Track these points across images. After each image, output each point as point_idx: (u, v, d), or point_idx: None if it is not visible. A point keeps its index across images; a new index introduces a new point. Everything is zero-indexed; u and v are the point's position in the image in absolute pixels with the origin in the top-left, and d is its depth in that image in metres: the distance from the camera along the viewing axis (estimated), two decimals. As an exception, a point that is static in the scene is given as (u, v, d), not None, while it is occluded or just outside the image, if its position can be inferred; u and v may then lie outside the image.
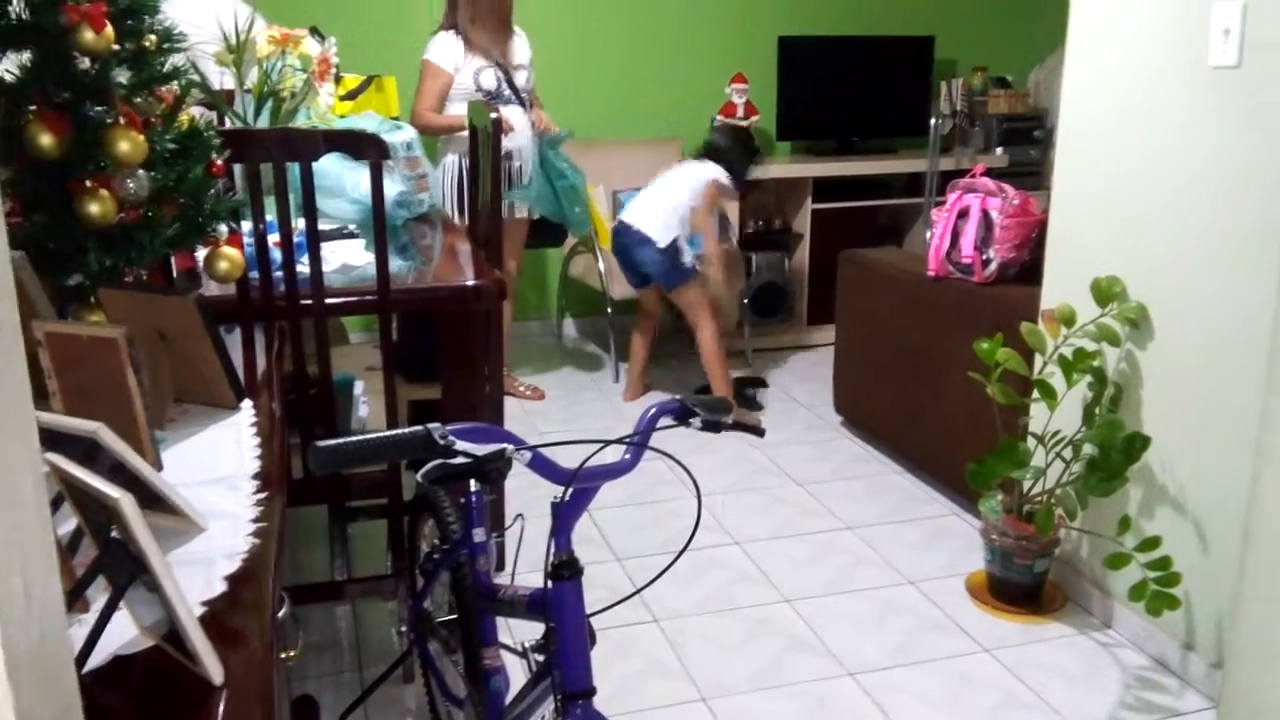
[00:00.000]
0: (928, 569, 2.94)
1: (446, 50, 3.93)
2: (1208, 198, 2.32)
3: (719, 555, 3.01)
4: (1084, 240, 2.67)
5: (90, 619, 0.98)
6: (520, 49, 4.10)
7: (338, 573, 2.62)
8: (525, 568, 1.83)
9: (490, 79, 3.96)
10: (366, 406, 2.50)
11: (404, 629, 2.18)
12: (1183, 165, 2.38)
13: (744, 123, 4.84)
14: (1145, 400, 2.53)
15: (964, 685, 2.42)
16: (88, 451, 1.09)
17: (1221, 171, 2.28)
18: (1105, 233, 2.60)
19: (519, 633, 2.33)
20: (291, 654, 1.58)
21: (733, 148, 4.12)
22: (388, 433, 1.33)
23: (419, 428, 1.32)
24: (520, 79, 4.04)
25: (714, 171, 4.02)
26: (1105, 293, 2.53)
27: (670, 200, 3.97)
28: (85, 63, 1.51)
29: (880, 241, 4.92)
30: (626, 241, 4.03)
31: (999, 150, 5.11)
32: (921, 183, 4.90)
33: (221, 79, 2.59)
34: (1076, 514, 2.60)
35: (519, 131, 3.92)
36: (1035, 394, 2.63)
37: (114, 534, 0.90)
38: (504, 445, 1.36)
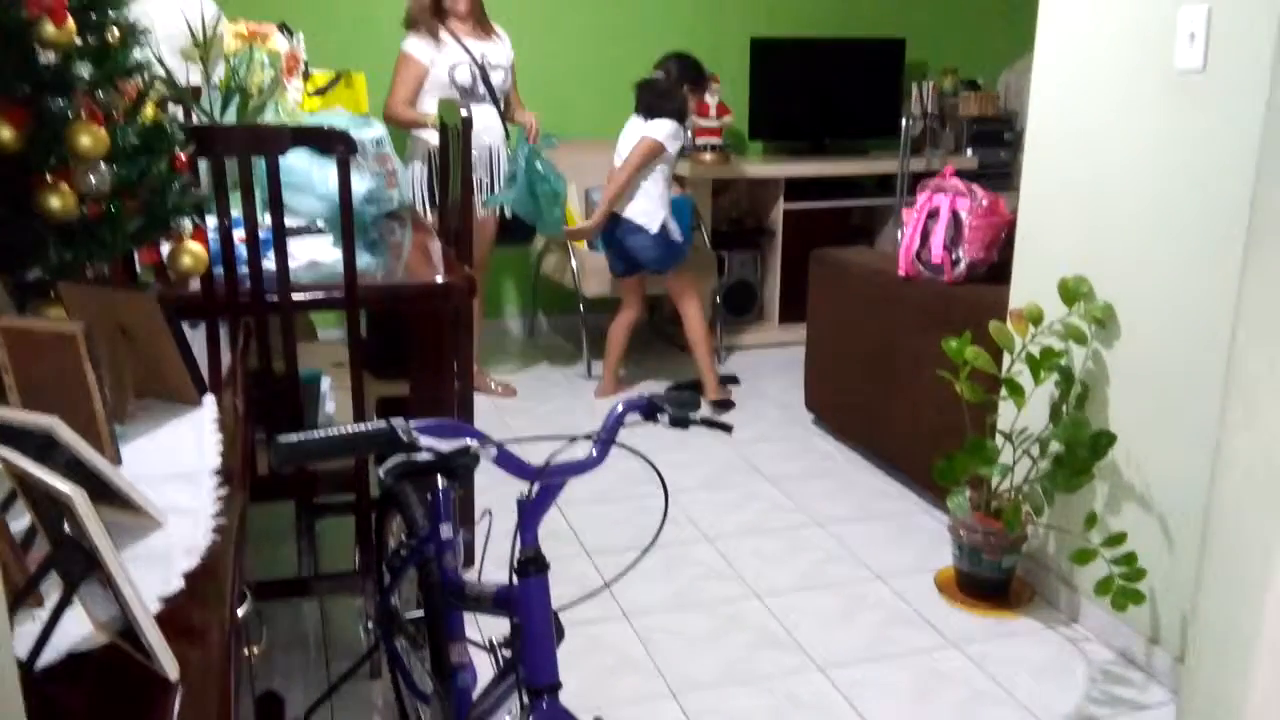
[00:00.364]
0: (897, 565, 2.95)
1: (421, 43, 3.92)
2: (1174, 200, 2.34)
3: (689, 551, 3.02)
4: (1052, 240, 2.69)
5: (44, 615, 0.96)
6: (501, 50, 4.09)
7: (304, 569, 2.61)
8: (494, 564, 1.82)
9: (465, 75, 3.95)
10: (333, 402, 2.49)
11: (371, 625, 2.17)
12: (1149, 167, 2.40)
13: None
14: (1111, 398, 2.55)
15: (932, 680, 2.44)
16: (43, 447, 1.08)
17: (1187, 174, 2.30)
18: (1073, 233, 2.63)
19: (487, 629, 2.33)
20: (256, 650, 1.57)
21: (661, 93, 4.04)
22: (351, 428, 1.32)
23: (382, 423, 1.32)
24: (497, 78, 4.03)
25: (650, 130, 3.99)
26: (1072, 292, 2.55)
27: (651, 185, 3.99)
28: (47, 56, 1.49)
29: (851, 241, 4.95)
30: (619, 232, 4.05)
31: (969, 152, 5.15)
32: (892, 183, 4.93)
33: (188, 74, 2.56)
34: (1043, 510, 2.63)
35: (485, 131, 3.91)
36: (1003, 392, 2.65)
37: (66, 529, 0.89)
38: (468, 441, 1.35)
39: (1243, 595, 1.12)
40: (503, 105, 4.06)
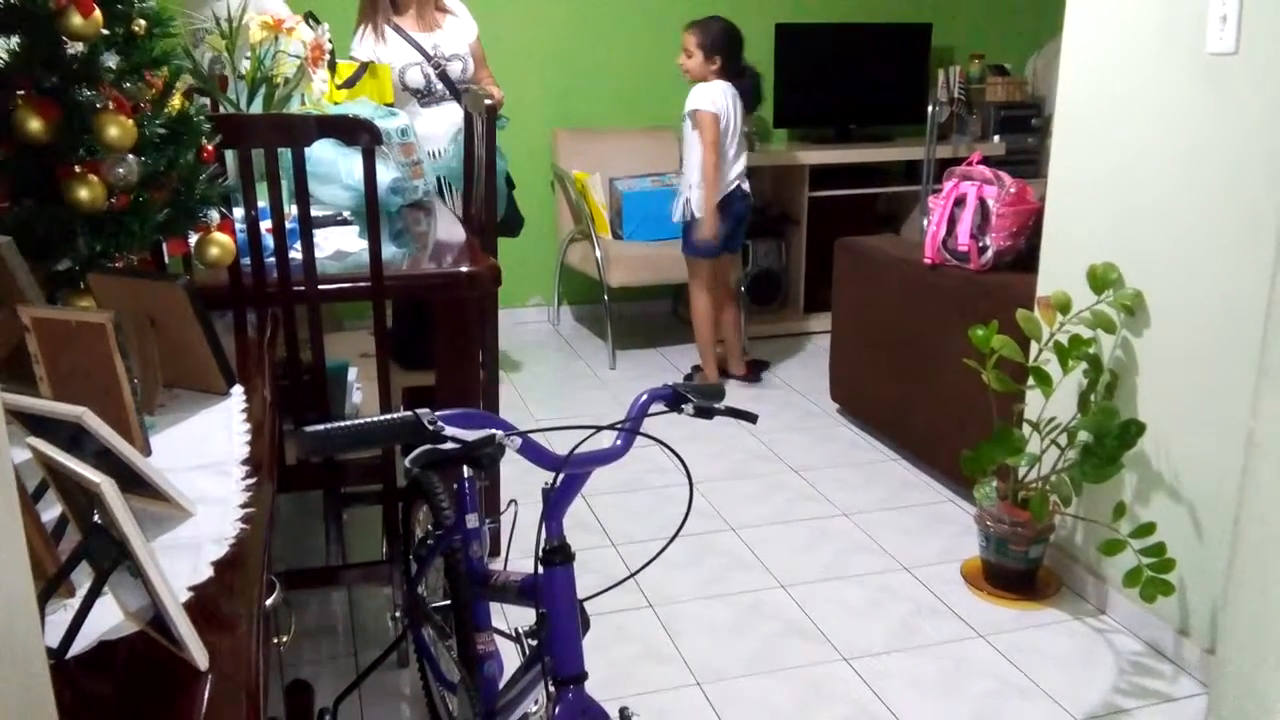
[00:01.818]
0: (923, 555, 2.94)
1: (364, 45, 3.63)
2: (1205, 185, 2.31)
3: (714, 541, 3.01)
4: (1080, 227, 2.66)
5: (75, 604, 0.97)
6: (455, 36, 3.75)
7: (332, 558, 2.62)
8: (519, 554, 1.83)
9: (416, 76, 3.66)
10: (360, 393, 2.50)
11: (398, 614, 2.18)
12: (1180, 152, 2.37)
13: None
14: (1140, 387, 2.53)
15: (959, 670, 2.42)
16: (73, 437, 1.09)
17: (1219, 158, 2.27)
18: (1102, 220, 2.60)
19: (513, 618, 2.33)
20: (284, 639, 1.58)
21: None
22: (376, 418, 1.32)
23: (408, 413, 1.32)
24: (455, 70, 3.70)
25: (691, 103, 4.00)
26: (1101, 280, 2.52)
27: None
28: (74, 47, 1.50)
29: (877, 229, 4.91)
30: (737, 206, 4.13)
31: (996, 138, 5.10)
32: (918, 170, 4.90)
33: (206, 60, 2.57)
34: (1071, 500, 2.60)
35: (451, 131, 3.62)
36: (1031, 381, 2.63)
37: (96, 519, 0.90)
38: (492, 431, 1.35)
39: (1277, 585, 1.11)
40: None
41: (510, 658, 1.77)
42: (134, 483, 1.11)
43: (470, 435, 1.35)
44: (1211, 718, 1.24)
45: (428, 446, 1.35)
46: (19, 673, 0.57)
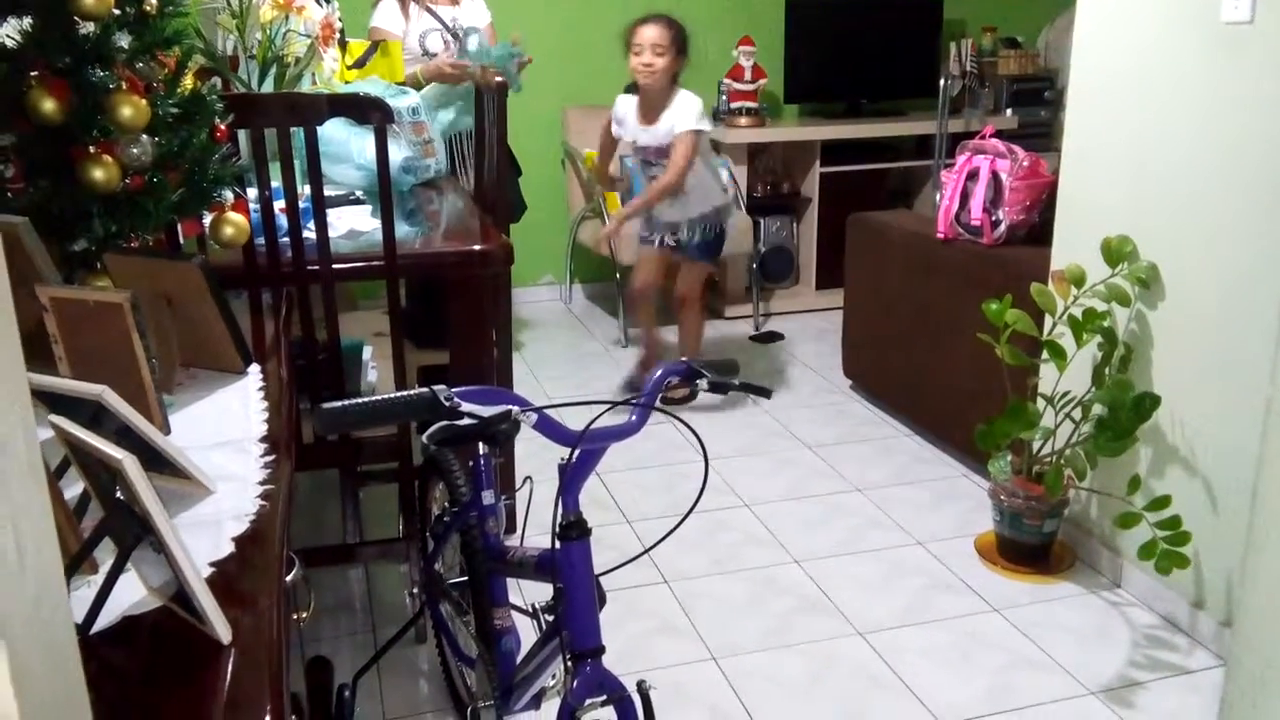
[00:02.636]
0: (937, 530, 2.94)
1: (389, 13, 3.72)
2: (1219, 155, 2.29)
3: (728, 517, 3.02)
4: (1094, 200, 2.65)
5: (98, 580, 0.99)
6: (473, 13, 3.87)
7: (350, 536, 2.64)
8: (535, 530, 1.84)
9: (437, 42, 3.74)
10: (375, 371, 2.51)
11: (416, 591, 2.20)
12: (1194, 123, 2.35)
13: None
14: (1155, 360, 2.52)
15: (973, 644, 2.43)
16: (94, 415, 1.10)
17: (1233, 128, 2.25)
18: (1116, 192, 2.58)
19: (530, 594, 2.35)
20: (304, 616, 1.60)
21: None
22: (392, 395, 1.33)
23: (424, 389, 1.33)
24: (472, 44, 3.69)
25: (690, 117, 3.59)
26: (1115, 252, 2.51)
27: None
28: (86, 27, 1.50)
29: (889, 204, 4.89)
30: None
31: (1008, 111, 5.06)
32: (930, 145, 4.87)
33: (226, 44, 2.58)
34: (1086, 474, 2.60)
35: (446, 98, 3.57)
36: (1045, 355, 2.62)
37: (119, 495, 0.91)
38: (509, 406, 1.36)
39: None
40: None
41: (527, 634, 1.78)
42: (154, 461, 1.12)
43: (487, 411, 1.36)
44: (1230, 687, 1.24)
45: (445, 423, 1.36)
46: (50, 649, 0.57)
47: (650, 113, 3.58)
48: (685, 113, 3.50)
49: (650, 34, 3.48)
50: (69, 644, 0.63)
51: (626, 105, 3.67)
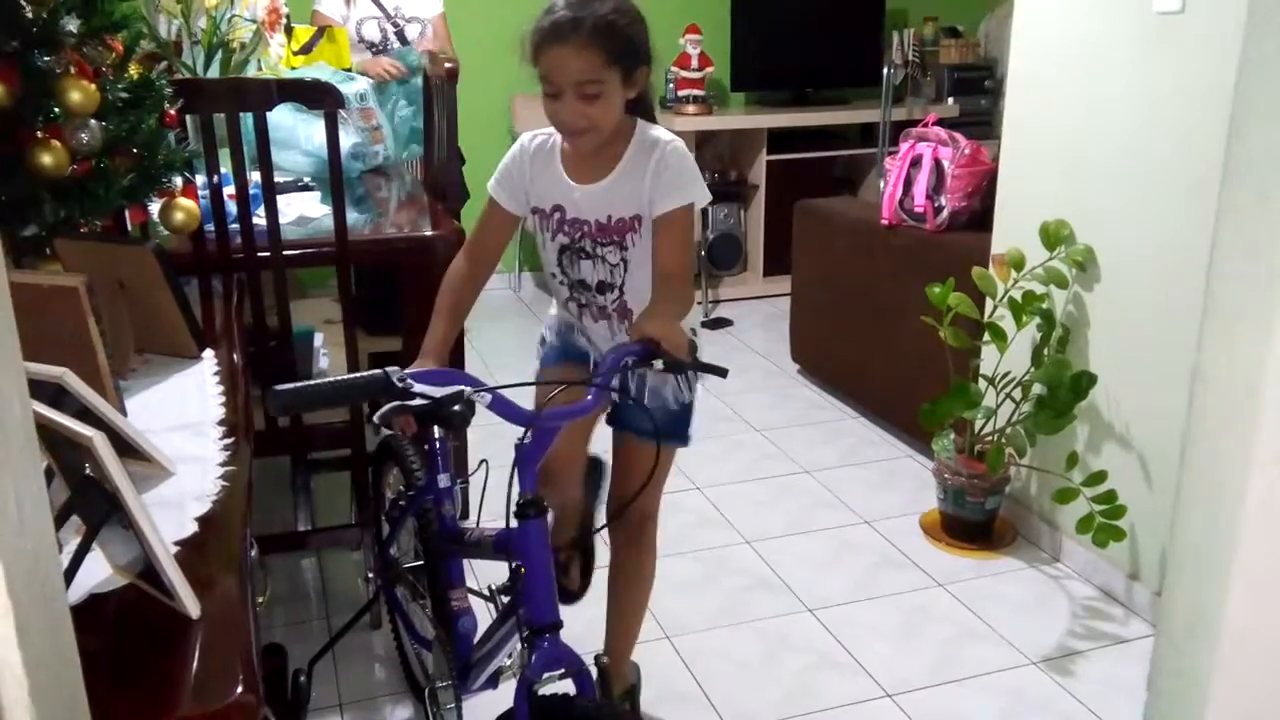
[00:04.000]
0: (883, 509, 3.01)
1: (331, 4, 3.71)
2: (1152, 141, 2.37)
3: (680, 500, 3.06)
4: (1033, 186, 2.72)
5: (64, 560, 0.99)
6: (418, 2, 3.85)
7: (301, 524, 2.63)
8: (491, 515, 1.85)
9: (374, 30, 3.74)
10: (327, 358, 2.51)
11: (371, 576, 2.21)
12: (1128, 110, 2.42)
13: None
14: (1092, 340, 2.60)
15: (919, 618, 2.50)
16: (52, 399, 1.10)
17: (1166, 115, 2.33)
18: (1053, 178, 2.65)
19: (484, 578, 2.37)
20: (260, 601, 1.60)
21: None
22: (346, 376, 1.34)
23: (378, 371, 1.33)
24: (412, 32, 3.78)
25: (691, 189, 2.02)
26: (1053, 236, 2.58)
27: None
28: (32, 10, 1.49)
29: (835, 192, 4.96)
30: None
31: (950, 100, 5.15)
32: (875, 133, 4.94)
33: (170, 29, 2.55)
34: (1026, 452, 2.68)
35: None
36: (986, 336, 2.69)
37: (87, 473, 0.92)
38: (461, 387, 1.37)
39: (1219, 513, 1.17)
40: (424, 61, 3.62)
41: (483, 618, 1.81)
42: (114, 443, 1.13)
43: (439, 392, 1.37)
44: (1160, 640, 1.31)
45: (395, 403, 1.37)
46: (45, 605, 0.59)
47: (589, 164, 1.79)
48: (676, 174, 1.77)
49: (572, 65, 1.63)
50: (62, 602, 0.65)
51: (538, 152, 1.83)
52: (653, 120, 1.82)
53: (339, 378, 1.36)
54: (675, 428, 1.94)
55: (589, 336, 1.92)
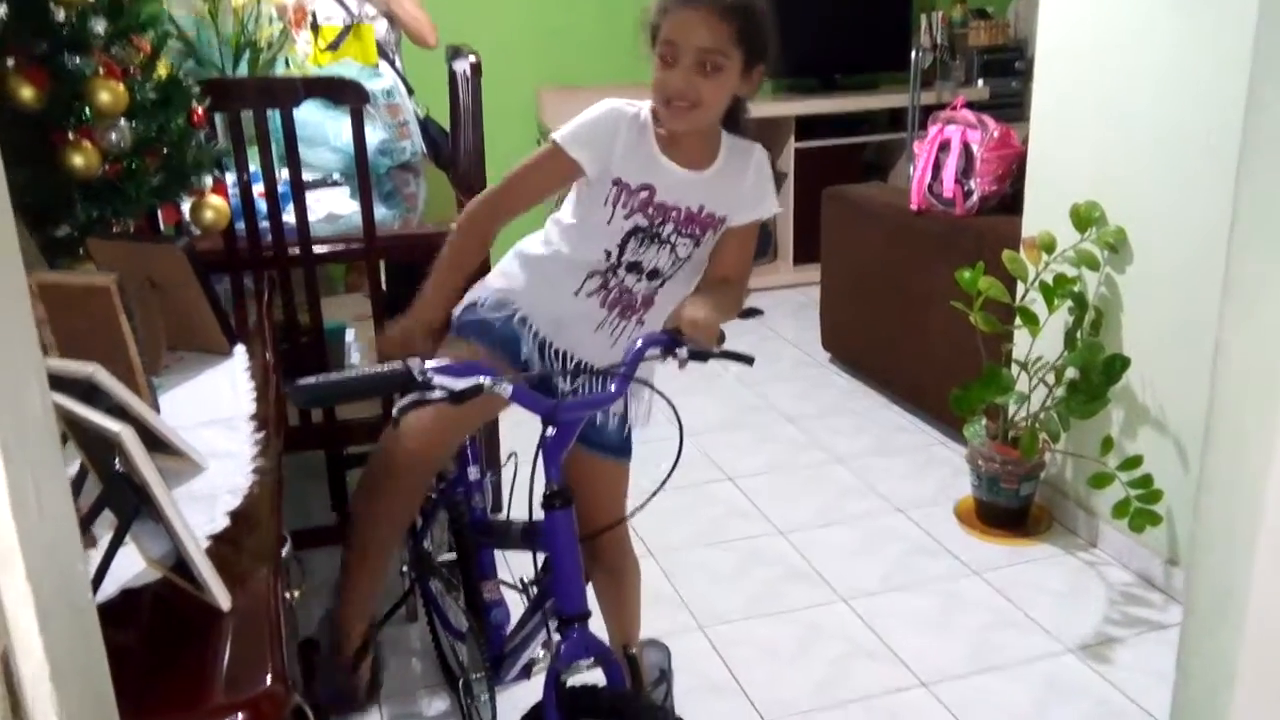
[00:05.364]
0: (916, 497, 2.99)
1: None
2: (1181, 119, 2.33)
3: (711, 490, 3.06)
4: (1063, 167, 2.69)
5: (97, 555, 1.01)
6: None
7: (336, 519, 2.65)
8: (520, 508, 1.86)
9: (327, 8, 3.33)
10: (359, 354, 2.53)
11: (406, 569, 2.23)
12: (1158, 88, 2.39)
13: None
14: (1124, 322, 2.56)
15: (954, 606, 2.48)
16: (86, 395, 1.12)
17: (1195, 92, 2.29)
18: (1083, 159, 2.62)
19: (517, 570, 2.38)
20: (295, 595, 1.62)
21: None
22: (367, 369, 1.35)
23: (398, 363, 1.33)
24: (380, 30, 3.39)
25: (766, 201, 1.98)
26: (1084, 218, 2.55)
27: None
28: (62, 13, 1.51)
29: (864, 178, 4.92)
30: None
31: (979, 82, 5.10)
32: (904, 118, 4.90)
33: (197, 30, 2.57)
34: (1060, 437, 2.65)
35: None
36: (1017, 321, 2.67)
37: (118, 468, 0.93)
38: (479, 379, 1.37)
39: (1243, 490, 1.16)
40: (390, 56, 3.39)
41: (516, 609, 1.82)
42: (146, 439, 1.14)
43: (459, 384, 1.37)
44: (1188, 621, 1.29)
45: (414, 395, 1.37)
46: (67, 593, 0.60)
47: (684, 150, 1.71)
48: (769, 183, 1.84)
49: (700, 32, 1.62)
50: (84, 591, 0.66)
51: (632, 123, 1.71)
52: (741, 135, 1.76)
53: (359, 371, 1.37)
54: (627, 441, 1.90)
55: (561, 321, 1.74)
